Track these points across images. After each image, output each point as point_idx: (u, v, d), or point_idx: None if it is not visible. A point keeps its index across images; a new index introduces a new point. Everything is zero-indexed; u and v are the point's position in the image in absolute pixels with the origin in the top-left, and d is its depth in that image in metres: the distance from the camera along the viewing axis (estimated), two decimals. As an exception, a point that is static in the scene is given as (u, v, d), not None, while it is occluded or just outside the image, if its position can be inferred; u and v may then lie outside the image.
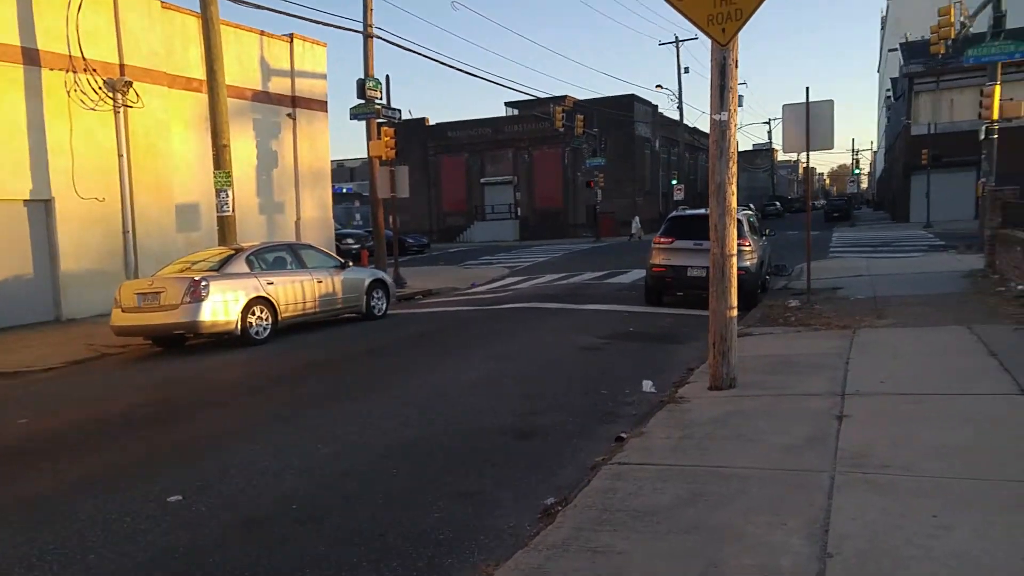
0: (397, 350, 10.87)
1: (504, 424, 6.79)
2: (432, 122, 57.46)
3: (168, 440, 6.80)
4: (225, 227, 15.53)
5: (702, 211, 15.08)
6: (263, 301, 12.18)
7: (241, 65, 19.31)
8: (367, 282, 14.14)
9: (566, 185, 53.62)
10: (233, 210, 15.52)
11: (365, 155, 24.92)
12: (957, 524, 3.89)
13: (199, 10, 15.39)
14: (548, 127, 45.20)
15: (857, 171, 67.92)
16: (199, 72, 17.42)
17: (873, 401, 6.26)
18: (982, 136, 19.38)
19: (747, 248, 13.57)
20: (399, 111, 21.47)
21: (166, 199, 17.54)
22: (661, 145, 58.46)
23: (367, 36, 23.36)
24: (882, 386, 6.70)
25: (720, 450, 5.38)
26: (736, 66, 6.94)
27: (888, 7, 75.14)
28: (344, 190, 79.23)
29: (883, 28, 78.70)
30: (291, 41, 21.00)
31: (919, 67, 42.30)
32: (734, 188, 7.02)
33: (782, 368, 7.83)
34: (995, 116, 18.75)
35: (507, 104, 59.37)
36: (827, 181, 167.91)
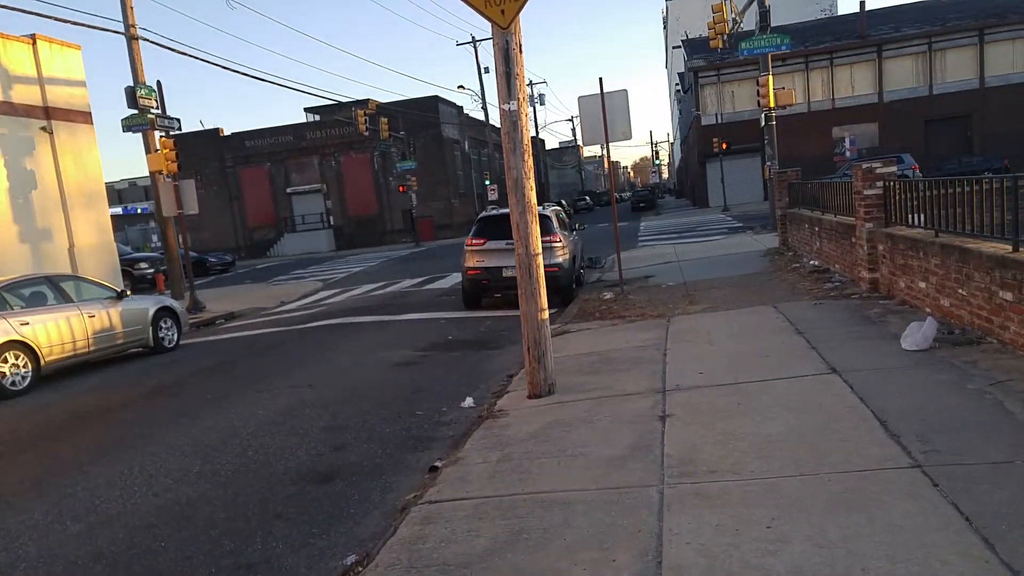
0: (186, 387, 9.57)
1: (302, 467, 5.91)
2: (227, 132, 54.06)
3: None
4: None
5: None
6: (17, 345, 10.39)
7: (-26, 73, 16.74)
8: (152, 311, 12.55)
9: (379, 190, 52.32)
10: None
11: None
12: (792, 535, 3.54)
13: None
14: (354, 132, 43.79)
15: (657, 162, 71.67)
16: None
17: (694, 396, 5.99)
18: (762, 123, 20.61)
19: (559, 244, 13.38)
20: (177, 120, 19.54)
21: None
22: (471, 146, 58.59)
23: (131, 38, 21.15)
24: (701, 378, 6.48)
25: (541, 472, 4.83)
26: (520, 51, 6.46)
27: (667, 8, 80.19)
28: (139, 210, 73.41)
29: (665, 27, 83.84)
30: (34, 43, 18.45)
31: (701, 62, 45.09)
32: (532, 183, 6.55)
33: (601, 366, 7.49)
34: (771, 104, 19.96)
35: (307, 110, 57.22)
36: (631, 173, 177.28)
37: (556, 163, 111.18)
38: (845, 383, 5.67)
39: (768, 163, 19.92)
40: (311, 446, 6.41)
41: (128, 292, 12.38)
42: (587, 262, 17.14)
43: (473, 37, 52.00)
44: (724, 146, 38.98)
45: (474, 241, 13.62)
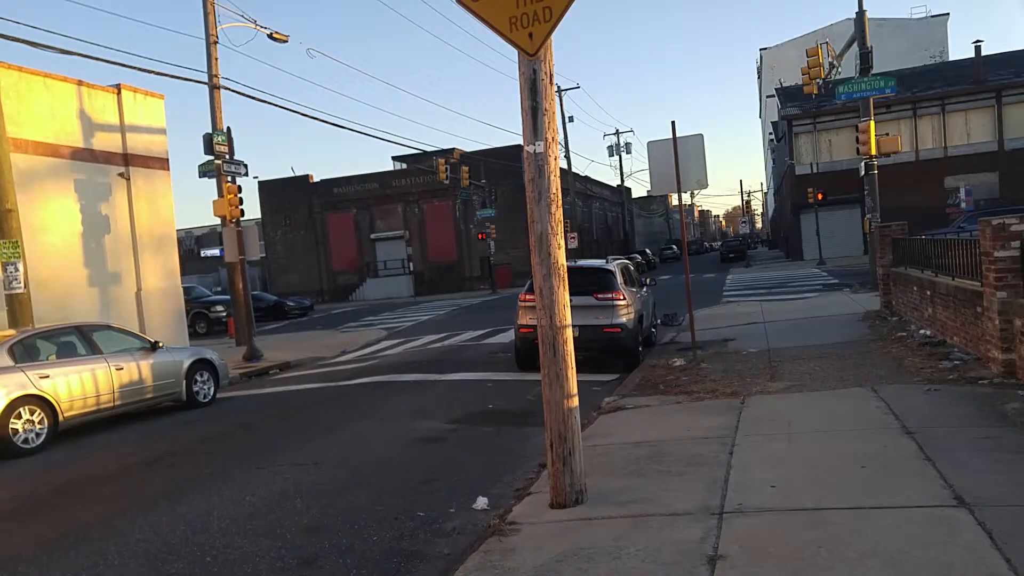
0: (190, 456, 8.59)
1: (253, 590, 4.70)
2: (316, 179, 55.04)
3: None
4: (16, 306, 12.96)
5: (572, 263, 13.52)
6: (34, 400, 9.70)
7: (55, 119, 16.79)
8: (186, 364, 11.78)
9: (459, 237, 51.98)
10: (26, 286, 12.99)
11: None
12: None
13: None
14: (437, 180, 43.66)
15: (747, 215, 69.17)
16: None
17: (759, 525, 4.50)
18: (862, 172, 18.69)
19: (622, 302, 11.99)
20: (244, 164, 19.20)
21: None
22: (555, 194, 57.73)
23: (213, 87, 21.29)
24: (772, 494, 4.98)
25: (533, 643, 3.46)
26: (551, 81, 5.25)
27: (761, 56, 78.10)
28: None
29: (759, 76, 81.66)
30: (118, 92, 18.57)
31: (795, 110, 43.05)
32: (561, 240, 5.27)
33: (649, 465, 6.04)
34: (872, 151, 18.09)
35: (394, 158, 57.72)
36: (723, 223, 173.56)
37: (643, 211, 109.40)
38: (980, 527, 4.05)
39: (868, 215, 17.98)
40: (278, 555, 5.21)
41: (161, 344, 11.63)
42: (663, 319, 15.62)
43: (558, 87, 51.48)
44: (819, 197, 36.71)
45: (527, 297, 12.37)
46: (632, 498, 5.28)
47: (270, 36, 23.01)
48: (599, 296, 12.00)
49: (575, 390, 5.36)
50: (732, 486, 5.24)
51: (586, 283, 12.20)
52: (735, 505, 4.84)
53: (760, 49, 79.18)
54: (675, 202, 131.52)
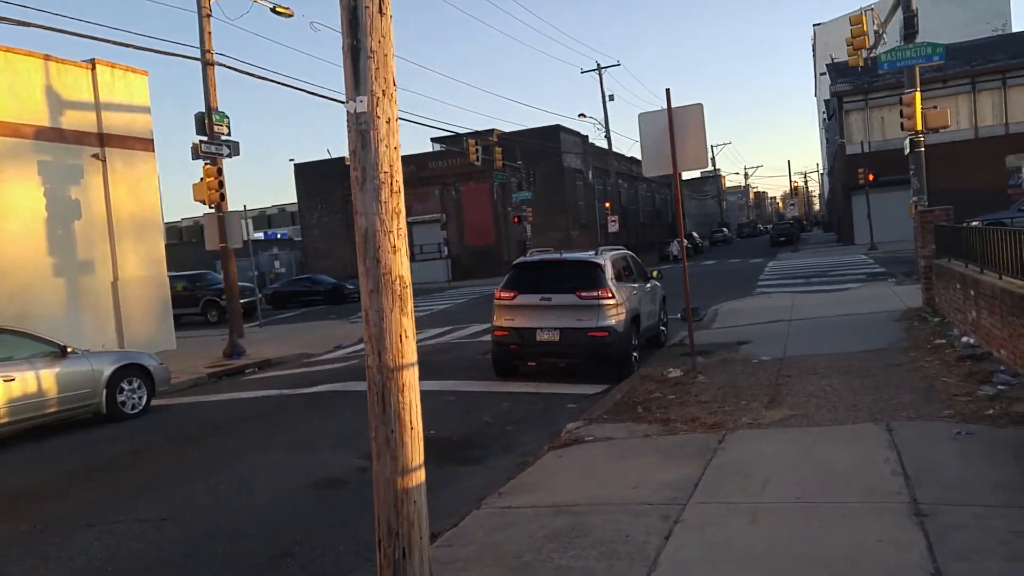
0: (33, 499, 7.01)
1: None
2: (351, 161, 53.88)
3: None
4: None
5: (555, 255, 11.80)
6: None
7: (15, 96, 15.65)
8: (108, 371, 10.38)
9: (497, 221, 50.33)
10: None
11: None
12: None
13: None
14: (474, 162, 42.13)
15: (794, 198, 65.94)
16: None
17: None
18: (907, 149, 16.42)
19: (610, 301, 10.22)
20: (228, 145, 17.74)
21: None
22: (595, 176, 55.69)
23: (206, 63, 19.98)
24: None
25: None
26: (384, 15, 3.59)
27: (815, 33, 74.18)
28: (279, 235, 74.88)
29: (814, 53, 77.76)
30: (93, 68, 17.37)
31: (846, 86, 40.16)
32: (398, 242, 3.63)
33: (552, 555, 4.38)
34: (919, 126, 15.78)
35: (433, 140, 56.24)
36: (780, 204, 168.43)
37: (694, 194, 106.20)
38: None
39: (915, 198, 15.77)
40: None
41: (72, 349, 10.23)
42: (665, 319, 13.75)
43: (598, 64, 49.27)
44: (871, 177, 34.03)
45: (503, 294, 10.71)
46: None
47: (273, 10, 21.60)
48: (583, 294, 10.26)
49: (418, 460, 3.74)
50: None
51: (568, 279, 10.51)
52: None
53: (813, 25, 75.26)
54: (729, 184, 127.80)
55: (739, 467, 5.55)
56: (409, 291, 3.71)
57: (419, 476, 3.71)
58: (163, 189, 58.77)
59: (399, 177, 3.67)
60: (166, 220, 64.90)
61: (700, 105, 9.59)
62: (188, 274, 31.37)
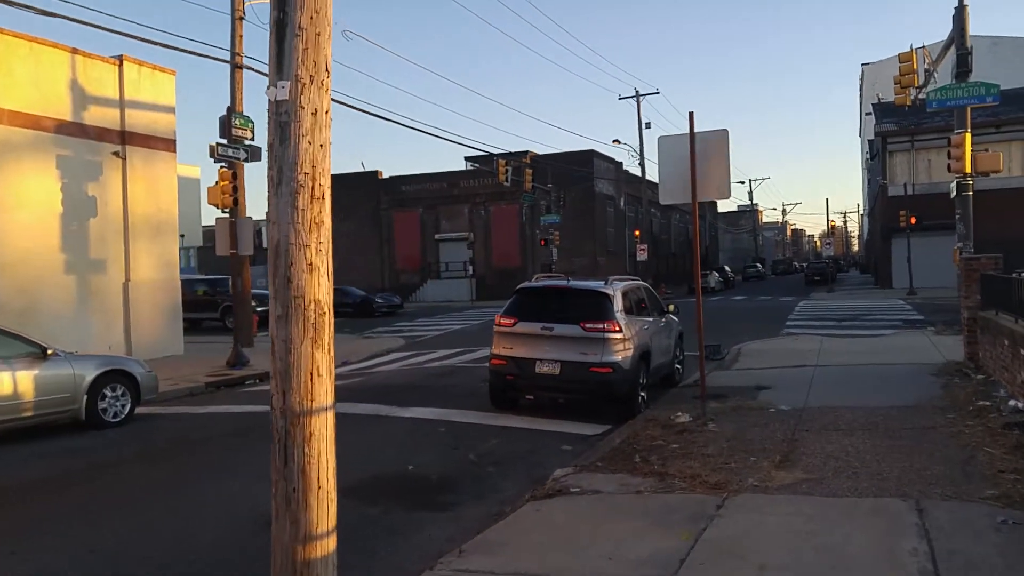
0: None
1: None
2: (385, 175, 53.85)
3: None
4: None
5: (561, 282, 11.10)
6: None
7: (39, 88, 15.44)
8: (90, 377, 9.89)
9: (523, 243, 49.76)
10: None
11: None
12: None
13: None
14: (505, 183, 41.71)
15: (831, 237, 64.49)
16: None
17: None
18: (953, 192, 15.48)
19: (616, 335, 9.48)
20: (248, 149, 17.35)
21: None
22: (627, 203, 54.91)
23: (235, 66, 19.77)
24: None
25: None
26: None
27: (863, 72, 72.83)
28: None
29: (860, 93, 76.39)
30: (120, 64, 17.16)
31: (892, 126, 39.05)
32: (316, 260, 2.99)
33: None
34: (967, 168, 14.88)
35: (467, 159, 55.99)
36: (817, 243, 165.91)
37: (730, 227, 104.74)
38: None
39: (960, 244, 14.83)
40: None
41: (52, 350, 9.75)
42: (681, 356, 12.95)
43: (636, 91, 48.81)
44: (912, 220, 32.87)
45: (503, 321, 10.03)
46: None
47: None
48: (587, 326, 9.53)
49: (325, 525, 3.06)
50: None
51: (573, 308, 9.79)
52: None
53: (862, 64, 73.80)
54: (766, 219, 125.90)
55: (734, 544, 4.78)
56: (328, 319, 3.06)
57: (326, 545, 3.03)
58: (200, 191, 59.13)
59: (324, 181, 3.04)
60: (202, 224, 65.44)
61: (726, 131, 8.92)
62: (209, 278, 31.17)
